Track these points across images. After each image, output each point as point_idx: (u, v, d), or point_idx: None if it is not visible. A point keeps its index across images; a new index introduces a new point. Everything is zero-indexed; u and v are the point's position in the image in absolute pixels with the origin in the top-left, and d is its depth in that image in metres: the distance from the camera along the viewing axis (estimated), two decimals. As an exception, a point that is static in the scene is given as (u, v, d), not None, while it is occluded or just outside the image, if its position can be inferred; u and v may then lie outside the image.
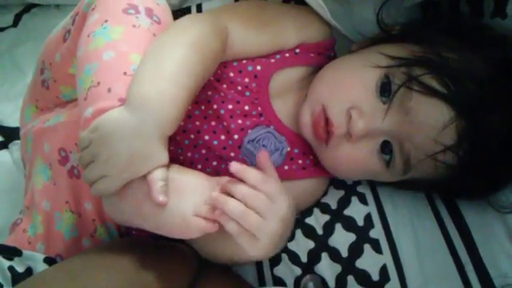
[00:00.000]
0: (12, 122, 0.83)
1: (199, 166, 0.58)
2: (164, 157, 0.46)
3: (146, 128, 0.44)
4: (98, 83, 0.47)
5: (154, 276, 0.52)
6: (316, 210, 0.63)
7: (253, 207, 0.45)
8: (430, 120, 0.50)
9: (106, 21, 0.51)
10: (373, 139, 0.54)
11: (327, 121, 0.55)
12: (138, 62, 0.48)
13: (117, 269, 0.51)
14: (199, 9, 0.82)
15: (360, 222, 0.60)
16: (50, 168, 0.61)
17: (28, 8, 1.01)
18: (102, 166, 0.44)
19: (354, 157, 0.55)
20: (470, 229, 0.58)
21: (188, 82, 0.47)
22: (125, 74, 0.47)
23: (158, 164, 0.45)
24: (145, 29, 0.51)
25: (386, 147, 0.54)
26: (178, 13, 0.80)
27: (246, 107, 0.58)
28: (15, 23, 1.00)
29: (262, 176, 0.46)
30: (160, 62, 0.47)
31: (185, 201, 0.46)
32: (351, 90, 0.54)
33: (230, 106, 0.58)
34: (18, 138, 0.78)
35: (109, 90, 0.46)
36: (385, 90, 0.53)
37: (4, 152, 0.81)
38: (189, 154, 0.59)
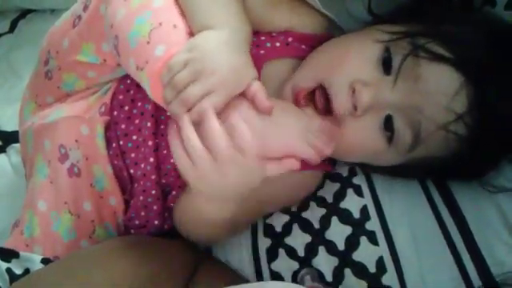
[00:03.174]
0: (10, 126, 0.84)
1: None
2: (254, 70, 0.48)
3: (238, 43, 0.48)
4: (160, 24, 0.49)
5: (152, 272, 0.52)
6: (312, 204, 0.63)
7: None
8: (441, 87, 0.49)
9: None
10: (377, 113, 0.52)
11: (327, 99, 0.53)
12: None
13: (114, 266, 0.51)
14: None
15: (356, 215, 0.60)
16: (49, 166, 0.61)
17: (24, 14, 1.02)
18: (208, 80, 0.45)
19: (355, 134, 0.53)
20: (466, 218, 0.57)
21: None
22: (182, 14, 0.50)
23: (254, 76, 0.48)
24: None
25: (388, 123, 0.52)
26: None
27: None
28: (11, 29, 1.02)
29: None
30: None
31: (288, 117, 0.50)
32: (352, 65, 0.53)
33: None
34: (16, 142, 0.79)
35: (174, 27, 0.49)
36: (387, 66, 0.52)
37: (2, 156, 0.81)
38: None
